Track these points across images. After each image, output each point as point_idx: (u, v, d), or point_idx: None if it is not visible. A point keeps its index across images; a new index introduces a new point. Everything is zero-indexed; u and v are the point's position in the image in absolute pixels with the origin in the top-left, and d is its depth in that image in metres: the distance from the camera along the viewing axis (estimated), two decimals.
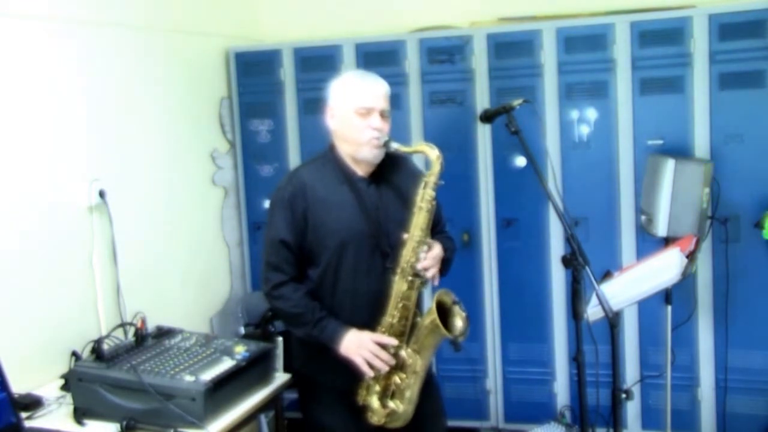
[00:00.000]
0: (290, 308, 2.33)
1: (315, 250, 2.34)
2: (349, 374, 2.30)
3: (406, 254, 2.27)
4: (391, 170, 2.42)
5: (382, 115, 2.33)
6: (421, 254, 2.27)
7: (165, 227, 3.32)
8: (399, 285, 2.28)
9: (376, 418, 2.34)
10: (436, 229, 2.42)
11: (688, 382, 3.38)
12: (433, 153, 2.29)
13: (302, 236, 2.33)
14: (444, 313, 2.26)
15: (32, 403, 2.36)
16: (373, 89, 2.34)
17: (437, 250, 2.32)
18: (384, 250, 2.34)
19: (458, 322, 2.27)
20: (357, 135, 2.31)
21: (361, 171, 2.38)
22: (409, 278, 2.27)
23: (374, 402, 2.32)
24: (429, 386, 2.44)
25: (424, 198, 2.27)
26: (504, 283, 3.57)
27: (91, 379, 2.25)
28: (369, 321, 2.31)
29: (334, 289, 2.35)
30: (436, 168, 2.28)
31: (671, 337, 3.17)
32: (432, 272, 2.30)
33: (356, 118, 2.31)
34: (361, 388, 2.34)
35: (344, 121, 2.34)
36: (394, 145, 2.31)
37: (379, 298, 2.31)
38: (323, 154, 2.45)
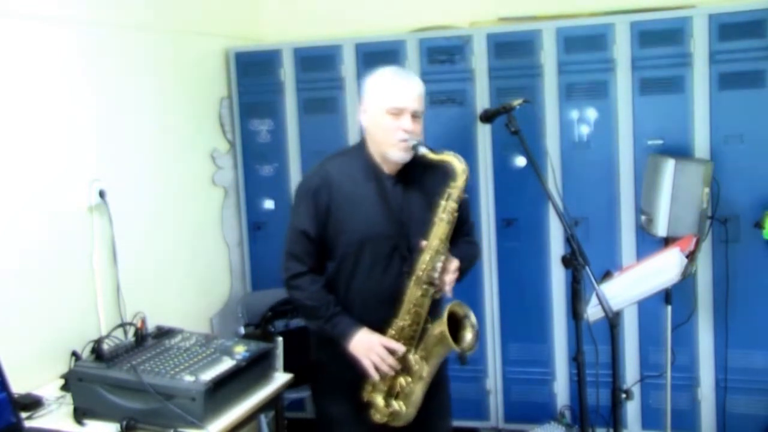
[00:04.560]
0: (306, 300, 2.35)
1: (334, 243, 2.34)
2: (359, 366, 2.32)
3: (422, 262, 2.26)
4: (422, 170, 2.37)
5: (414, 116, 2.29)
6: (437, 264, 2.25)
7: (165, 227, 3.32)
8: (413, 291, 2.27)
9: (378, 415, 2.35)
10: (462, 229, 2.41)
11: (688, 382, 3.37)
12: (461, 166, 2.25)
13: (324, 228, 2.33)
14: (455, 324, 2.26)
15: (32, 403, 2.36)
16: (407, 89, 2.30)
17: (456, 264, 2.31)
18: (403, 252, 2.33)
19: (468, 335, 2.27)
20: (386, 135, 2.29)
21: (388, 169, 2.36)
22: (424, 286, 2.26)
23: (378, 400, 2.34)
24: (437, 385, 2.43)
25: (446, 209, 2.25)
26: (504, 283, 3.57)
27: (91, 379, 2.25)
28: (379, 321, 2.31)
29: (349, 285, 2.35)
30: (461, 181, 2.25)
31: (671, 337, 3.17)
32: (449, 287, 2.30)
33: (387, 118, 2.28)
34: (368, 383, 2.35)
35: (375, 120, 2.32)
36: (423, 150, 2.26)
37: (392, 299, 2.30)
38: (355, 147, 2.46)
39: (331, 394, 2.45)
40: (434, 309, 2.34)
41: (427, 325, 2.31)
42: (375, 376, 2.29)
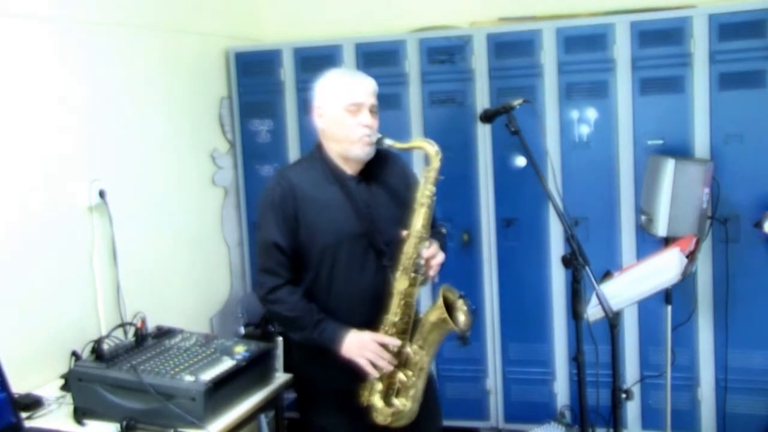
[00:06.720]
0: (287, 312, 2.31)
1: (307, 250, 2.32)
2: (348, 375, 2.28)
3: (407, 251, 2.25)
4: (380, 168, 2.40)
5: (372, 111, 2.31)
6: (422, 250, 2.24)
7: (165, 227, 3.32)
8: (400, 283, 2.25)
9: (381, 417, 2.30)
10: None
11: (688, 382, 3.38)
12: (432, 149, 2.27)
13: (294, 237, 2.30)
14: (447, 308, 2.25)
15: (32, 403, 2.36)
16: (362, 85, 2.32)
17: (436, 245, 2.31)
18: (378, 248, 2.32)
19: (461, 317, 2.26)
20: (348, 133, 2.29)
21: (350, 170, 2.35)
22: (411, 275, 2.25)
23: (378, 402, 2.30)
24: (426, 384, 2.41)
25: (424, 194, 2.26)
26: (504, 283, 3.57)
27: (91, 379, 2.25)
28: (365, 320, 2.29)
29: (329, 289, 2.32)
30: (436, 163, 2.26)
31: (671, 337, 3.17)
32: (435, 270, 2.29)
33: (346, 116, 2.28)
34: (363, 389, 2.32)
35: (334, 120, 2.31)
36: (388, 142, 2.29)
37: (375, 296, 2.29)
38: (310, 154, 2.44)
39: (323, 407, 2.40)
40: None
41: (418, 316, 2.30)
42: (374, 373, 2.25)
